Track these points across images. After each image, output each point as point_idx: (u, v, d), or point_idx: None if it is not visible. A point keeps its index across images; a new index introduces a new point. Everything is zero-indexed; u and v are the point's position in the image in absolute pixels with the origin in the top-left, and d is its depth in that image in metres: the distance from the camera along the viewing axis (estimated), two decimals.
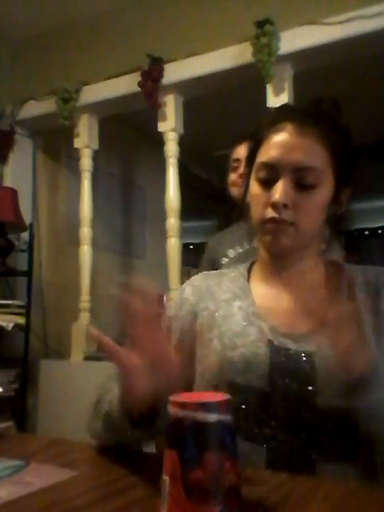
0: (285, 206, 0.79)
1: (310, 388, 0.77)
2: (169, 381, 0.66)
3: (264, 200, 0.82)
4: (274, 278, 0.90)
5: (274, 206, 0.80)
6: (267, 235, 0.83)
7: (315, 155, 0.80)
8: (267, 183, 0.82)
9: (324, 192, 0.82)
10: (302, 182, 0.80)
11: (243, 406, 0.79)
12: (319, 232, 0.88)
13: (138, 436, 0.72)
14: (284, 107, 0.94)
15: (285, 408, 0.77)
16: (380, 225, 6.64)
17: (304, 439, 0.76)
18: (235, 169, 1.89)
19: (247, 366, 0.80)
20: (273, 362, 0.80)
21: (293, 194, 0.80)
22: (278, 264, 0.89)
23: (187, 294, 0.95)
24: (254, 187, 0.85)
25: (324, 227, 0.89)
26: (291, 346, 0.81)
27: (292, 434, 0.76)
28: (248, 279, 0.94)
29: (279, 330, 0.84)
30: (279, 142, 0.81)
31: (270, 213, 0.81)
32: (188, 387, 0.88)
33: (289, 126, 0.82)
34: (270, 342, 0.82)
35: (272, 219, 0.81)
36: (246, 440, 0.77)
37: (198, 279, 0.97)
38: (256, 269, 0.95)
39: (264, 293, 0.90)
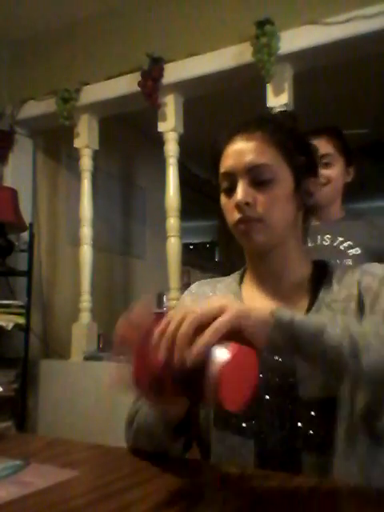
0: (247, 204, 0.85)
1: (291, 380, 0.80)
2: None
3: (231, 206, 0.88)
4: (260, 279, 0.93)
5: (238, 206, 0.86)
6: (241, 237, 0.89)
7: (264, 153, 0.87)
8: (230, 191, 0.88)
9: (282, 185, 0.87)
10: (257, 179, 0.86)
11: None
12: (293, 225, 0.90)
13: (179, 445, 0.82)
14: (233, 124, 1.00)
15: (270, 401, 0.81)
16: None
17: (289, 430, 0.79)
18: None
19: None
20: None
21: (252, 191, 0.86)
22: (261, 264, 0.92)
23: (187, 301, 1.00)
24: (222, 198, 0.92)
25: (298, 219, 0.92)
26: None
27: (278, 426, 0.80)
28: (240, 284, 0.98)
29: None
30: (231, 151, 0.89)
31: (237, 215, 0.87)
32: None
33: (237, 137, 0.89)
34: None
35: (240, 220, 0.86)
36: (236, 434, 0.82)
37: (195, 287, 1.02)
38: (247, 276, 0.98)
39: (252, 295, 0.93)
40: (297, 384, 0.80)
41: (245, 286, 0.97)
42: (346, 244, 1.71)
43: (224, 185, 0.90)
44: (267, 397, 0.81)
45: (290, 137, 0.89)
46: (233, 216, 0.88)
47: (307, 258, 0.95)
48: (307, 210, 0.93)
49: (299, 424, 0.79)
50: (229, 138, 0.91)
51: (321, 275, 0.91)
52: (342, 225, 1.76)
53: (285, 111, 0.95)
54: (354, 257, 1.67)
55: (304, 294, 0.89)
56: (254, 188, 0.86)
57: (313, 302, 0.87)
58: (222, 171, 0.90)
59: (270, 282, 0.92)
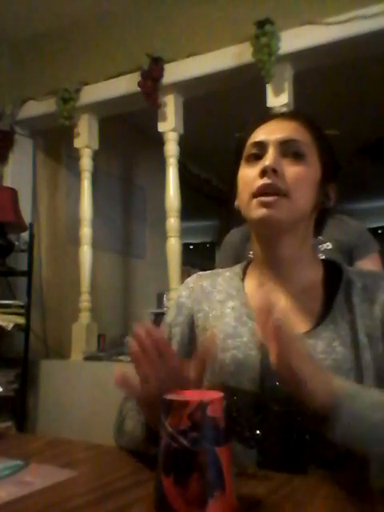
0: (274, 171, 0.80)
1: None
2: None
3: (253, 174, 0.83)
4: (268, 277, 0.88)
5: (264, 172, 0.81)
6: (259, 208, 0.81)
7: (299, 132, 0.85)
8: (256, 159, 0.84)
9: (311, 167, 0.84)
10: (289, 150, 0.83)
11: (235, 414, 0.78)
12: (309, 217, 0.87)
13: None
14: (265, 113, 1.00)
15: (276, 411, 0.77)
16: (380, 225, 6.64)
17: (295, 442, 0.75)
18: None
19: (238, 369, 0.80)
20: (264, 365, 0.78)
21: (281, 161, 0.82)
22: (271, 252, 0.87)
23: (183, 297, 0.95)
24: (243, 169, 0.87)
25: (312, 216, 0.88)
26: None
27: (283, 437, 0.76)
28: (243, 279, 0.93)
29: None
30: (265, 127, 0.87)
31: (260, 181, 0.81)
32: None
33: (272, 120, 0.88)
34: (261, 344, 0.80)
35: (262, 189, 0.81)
36: (238, 442, 0.77)
37: (192, 281, 0.97)
38: (251, 269, 0.93)
39: (260, 293, 0.88)
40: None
41: (248, 282, 0.92)
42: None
43: (250, 151, 0.85)
44: (276, 407, 0.77)
45: (324, 136, 0.88)
46: (253, 184, 0.82)
47: (318, 261, 0.91)
48: (321, 213, 0.90)
49: (307, 436, 0.75)
50: (263, 121, 0.88)
51: (334, 278, 0.87)
52: None
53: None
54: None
55: (316, 299, 0.85)
56: (284, 159, 0.83)
57: (327, 310, 0.83)
58: (252, 141, 0.86)
59: (280, 277, 0.86)
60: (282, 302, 0.86)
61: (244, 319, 0.85)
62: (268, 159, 0.81)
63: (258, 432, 0.77)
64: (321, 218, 0.91)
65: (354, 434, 0.65)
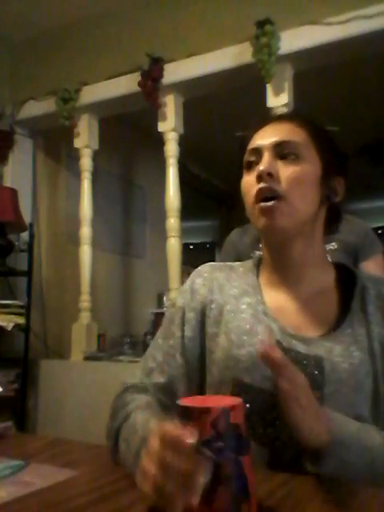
0: (269, 175, 0.81)
1: (317, 393, 0.75)
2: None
3: (252, 181, 0.84)
4: (281, 280, 0.88)
5: (260, 177, 0.82)
6: (261, 217, 0.82)
7: (293, 133, 0.85)
8: (255, 165, 0.85)
9: (309, 167, 0.84)
10: (282, 153, 0.83)
11: (248, 405, 0.77)
12: (316, 217, 0.86)
13: None
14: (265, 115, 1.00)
15: None
16: (380, 225, 6.63)
17: None
18: None
19: (254, 366, 0.79)
20: None
21: (275, 164, 0.83)
22: (281, 257, 0.87)
23: (197, 284, 0.92)
24: (244, 178, 0.87)
25: (320, 214, 0.87)
26: (301, 348, 0.80)
27: (296, 437, 0.75)
28: (257, 276, 0.92)
29: (288, 331, 0.83)
30: (261, 132, 0.88)
31: (257, 186, 0.82)
32: (201, 384, 0.88)
33: (269, 124, 0.89)
34: (278, 343, 0.81)
35: (259, 191, 0.81)
36: (251, 440, 0.75)
37: (206, 270, 0.95)
38: (263, 270, 0.93)
39: (273, 293, 0.88)
40: (323, 399, 0.75)
41: (262, 280, 0.91)
42: None
43: (248, 159, 0.87)
44: None
45: (323, 132, 0.88)
46: (252, 190, 0.83)
47: (329, 262, 0.91)
48: (331, 208, 0.89)
49: None
50: (259, 126, 0.89)
51: (347, 281, 0.87)
52: None
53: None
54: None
55: (331, 302, 0.85)
56: (279, 161, 0.83)
57: (344, 314, 0.83)
58: (249, 148, 0.87)
59: (291, 280, 0.87)
60: (295, 304, 0.86)
61: (260, 317, 0.85)
62: (262, 163, 0.82)
63: (270, 430, 0.77)
64: (331, 214, 0.90)
65: (341, 474, 0.68)
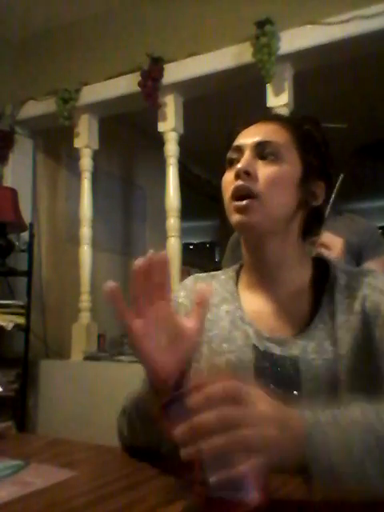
0: (247, 173, 0.82)
1: (295, 392, 0.77)
2: (190, 354, 0.67)
3: (230, 178, 0.85)
4: (258, 281, 0.89)
5: (237, 175, 0.82)
6: (235, 214, 0.83)
7: (275, 134, 0.86)
8: (235, 163, 0.86)
9: (288, 168, 0.84)
10: (262, 153, 0.84)
11: None
12: (293, 219, 0.86)
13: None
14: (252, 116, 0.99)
15: None
16: (380, 225, 6.64)
17: None
18: None
19: (233, 373, 0.80)
20: (258, 368, 0.80)
21: (254, 163, 0.83)
22: (257, 256, 0.88)
23: (182, 298, 0.94)
24: (225, 174, 0.88)
25: (298, 217, 0.87)
26: (276, 350, 0.81)
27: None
28: (237, 283, 0.93)
29: (264, 334, 0.84)
30: (246, 131, 0.89)
31: (234, 184, 0.83)
32: None
33: (253, 125, 0.90)
34: (254, 347, 0.82)
35: (235, 189, 0.82)
36: None
37: (189, 283, 0.97)
38: (243, 272, 0.94)
39: (250, 297, 0.89)
40: (301, 397, 0.76)
41: (241, 286, 0.92)
42: None
43: (230, 156, 0.88)
44: None
45: (307, 135, 0.88)
46: (230, 187, 0.84)
47: (308, 261, 0.90)
48: (312, 211, 0.89)
49: None
50: (244, 126, 0.90)
51: (322, 278, 0.87)
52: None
53: (309, 116, 0.94)
54: None
55: (305, 301, 0.85)
56: (258, 161, 0.84)
57: (315, 311, 0.83)
58: (233, 145, 0.89)
59: (267, 280, 0.87)
60: (270, 306, 0.86)
61: (238, 323, 0.86)
62: (241, 162, 0.83)
63: None
64: (312, 217, 0.90)
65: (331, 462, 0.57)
